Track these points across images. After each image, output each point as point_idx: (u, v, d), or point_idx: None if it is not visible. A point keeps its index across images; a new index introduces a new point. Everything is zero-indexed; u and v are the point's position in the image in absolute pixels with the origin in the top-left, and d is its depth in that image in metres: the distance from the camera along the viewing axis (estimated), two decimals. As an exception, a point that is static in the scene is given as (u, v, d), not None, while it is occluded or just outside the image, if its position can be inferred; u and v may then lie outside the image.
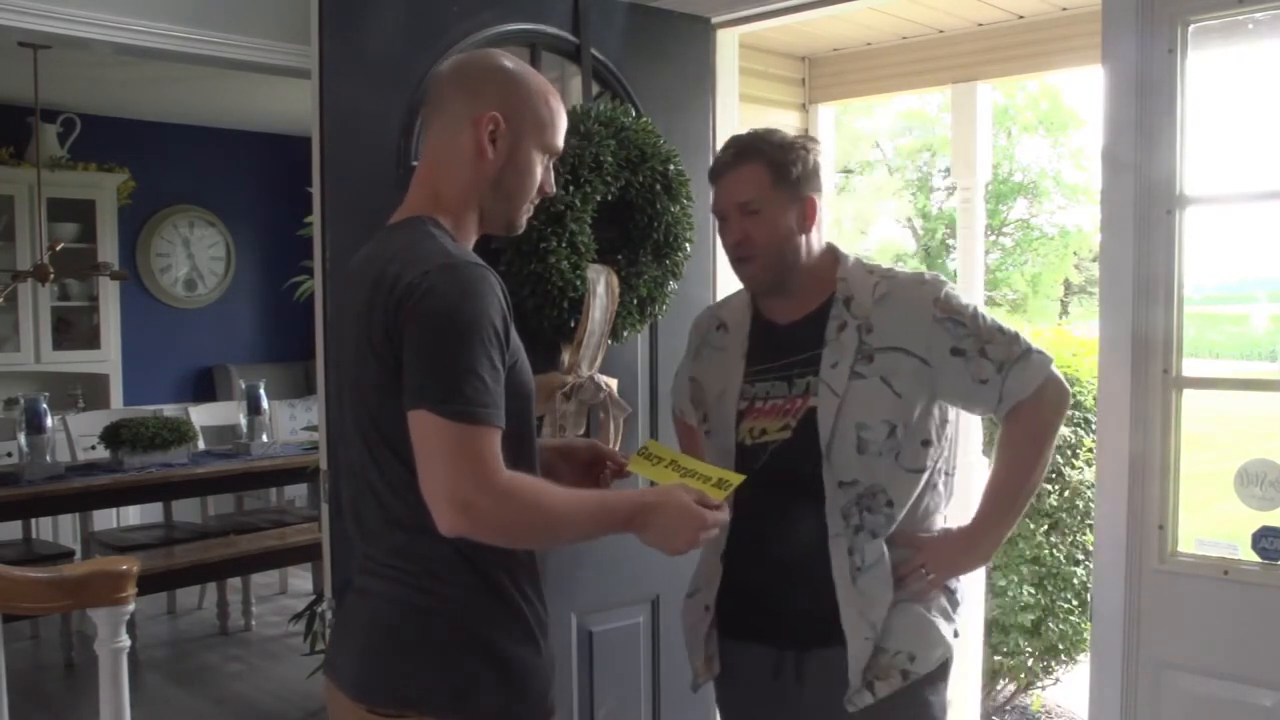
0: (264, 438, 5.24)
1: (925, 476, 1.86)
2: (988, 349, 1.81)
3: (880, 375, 1.82)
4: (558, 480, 1.63)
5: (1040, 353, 1.85)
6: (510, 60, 1.62)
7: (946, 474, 1.93)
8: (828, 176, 2.04)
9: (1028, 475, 1.87)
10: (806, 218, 1.89)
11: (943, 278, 1.89)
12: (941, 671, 1.89)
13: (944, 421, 1.89)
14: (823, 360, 1.85)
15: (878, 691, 1.81)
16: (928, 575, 1.87)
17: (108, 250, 6.34)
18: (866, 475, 1.82)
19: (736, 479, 1.66)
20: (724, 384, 1.98)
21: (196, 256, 6.99)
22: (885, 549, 1.83)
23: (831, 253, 1.95)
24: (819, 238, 1.94)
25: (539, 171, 1.62)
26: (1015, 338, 1.85)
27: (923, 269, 2.01)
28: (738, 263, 1.92)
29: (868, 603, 1.82)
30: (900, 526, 1.86)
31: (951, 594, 1.91)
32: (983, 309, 1.88)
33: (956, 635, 1.93)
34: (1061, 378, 1.87)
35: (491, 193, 1.59)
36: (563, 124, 1.64)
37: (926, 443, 1.85)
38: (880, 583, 1.82)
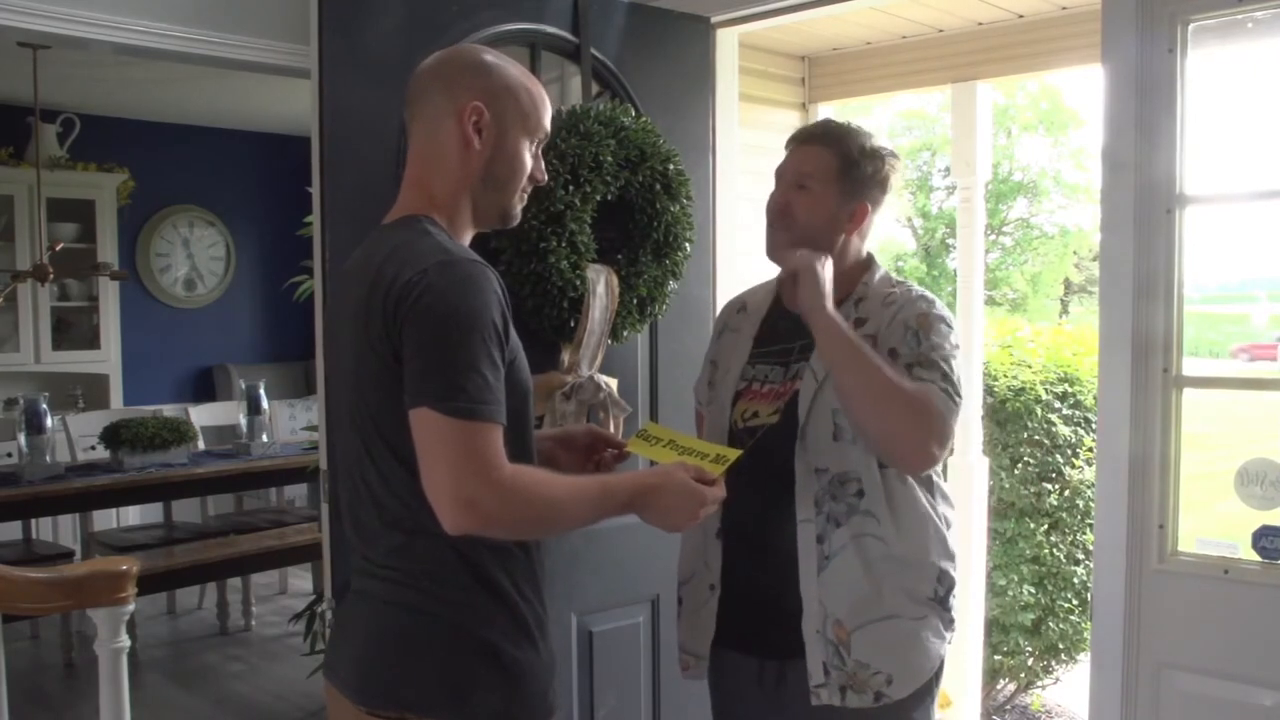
0: (264, 438, 5.24)
1: (890, 475, 1.83)
2: (915, 369, 1.78)
3: None
4: (557, 468, 1.63)
5: (953, 403, 1.78)
6: (489, 53, 1.62)
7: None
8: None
9: (864, 376, 1.75)
10: (854, 219, 1.90)
11: (947, 312, 1.87)
12: (926, 688, 1.87)
13: None
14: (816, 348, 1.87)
15: (848, 700, 1.80)
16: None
17: (108, 250, 6.34)
18: (838, 463, 1.82)
19: (733, 454, 1.67)
20: (730, 363, 2.00)
21: (196, 256, 6.99)
22: (847, 540, 1.81)
23: (867, 262, 1.96)
24: (861, 246, 1.95)
25: (527, 159, 1.62)
26: (949, 383, 1.78)
27: (927, 290, 1.96)
28: (770, 227, 1.94)
29: (829, 594, 1.81)
30: (882, 530, 1.82)
31: (945, 613, 1.89)
32: (955, 358, 1.82)
33: (950, 635, 1.92)
34: (944, 437, 1.77)
35: (482, 184, 1.59)
36: (546, 109, 1.63)
37: None
38: (845, 576, 1.81)
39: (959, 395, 1.81)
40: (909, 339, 1.81)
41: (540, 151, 1.65)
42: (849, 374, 1.77)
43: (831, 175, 1.88)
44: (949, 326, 1.85)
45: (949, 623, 1.90)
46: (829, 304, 1.79)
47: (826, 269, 1.82)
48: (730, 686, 1.99)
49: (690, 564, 2.01)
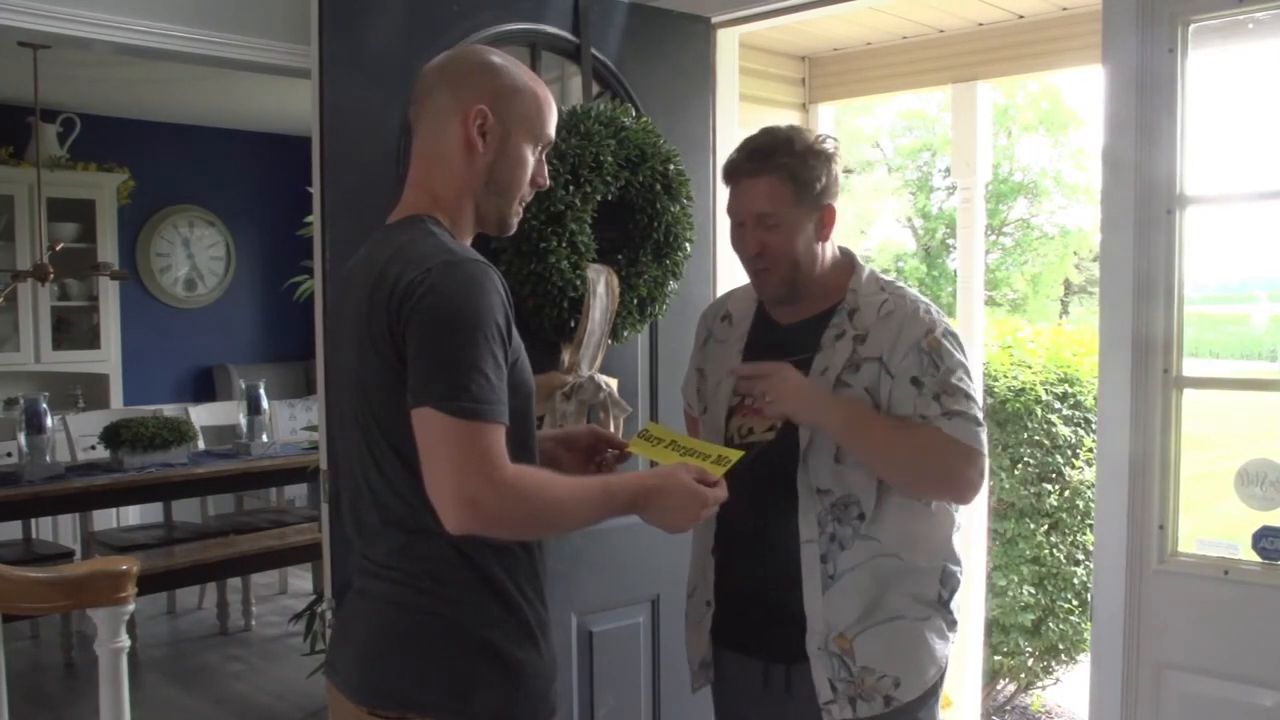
0: (264, 438, 5.24)
1: (893, 492, 1.83)
2: (943, 398, 1.78)
3: (864, 386, 1.81)
4: (559, 469, 1.63)
5: (982, 428, 1.80)
6: (496, 55, 1.62)
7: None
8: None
9: (897, 453, 1.78)
10: (825, 225, 1.87)
11: (949, 321, 1.86)
12: (932, 690, 1.87)
13: None
14: (813, 365, 1.85)
15: (859, 710, 1.80)
16: (765, 397, 1.78)
17: (108, 250, 6.34)
18: (841, 485, 1.81)
19: (735, 455, 1.67)
20: (721, 375, 1.98)
21: (196, 256, 6.99)
22: (855, 563, 1.81)
23: (847, 260, 1.93)
24: (833, 243, 1.92)
25: (531, 163, 1.61)
26: (974, 406, 1.80)
27: (926, 298, 1.93)
28: (755, 273, 1.90)
29: (834, 613, 1.81)
30: (891, 547, 1.82)
31: (948, 613, 1.89)
32: (965, 371, 1.82)
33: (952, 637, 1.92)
34: (983, 468, 1.80)
35: (485, 188, 1.59)
36: (552, 114, 1.63)
37: None
38: (849, 596, 1.81)
39: (980, 410, 1.81)
40: (926, 365, 1.79)
41: (544, 156, 1.65)
42: (876, 462, 1.79)
43: (791, 202, 1.82)
44: (954, 336, 1.84)
45: (952, 624, 1.90)
46: (820, 408, 1.78)
47: (791, 372, 1.80)
48: (736, 689, 1.98)
49: (694, 577, 2.02)
